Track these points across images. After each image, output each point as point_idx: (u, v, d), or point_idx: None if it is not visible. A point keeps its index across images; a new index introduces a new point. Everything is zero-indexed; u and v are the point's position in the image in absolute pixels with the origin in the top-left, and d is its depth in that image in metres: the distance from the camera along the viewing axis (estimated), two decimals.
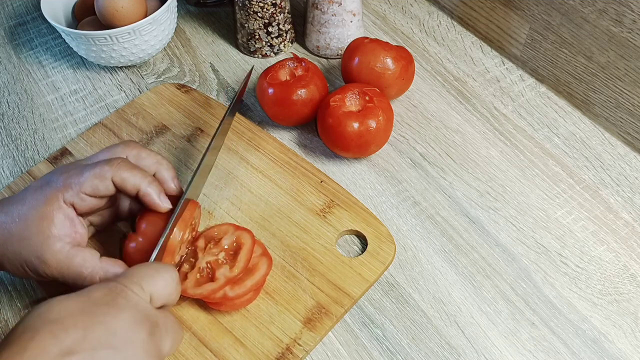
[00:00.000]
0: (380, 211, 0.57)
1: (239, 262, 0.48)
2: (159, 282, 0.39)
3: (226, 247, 0.50)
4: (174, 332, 0.38)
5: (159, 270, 0.40)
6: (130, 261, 0.48)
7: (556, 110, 0.65)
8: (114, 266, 0.46)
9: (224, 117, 0.55)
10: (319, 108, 0.60)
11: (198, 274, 0.48)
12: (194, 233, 0.51)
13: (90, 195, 0.46)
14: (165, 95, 0.67)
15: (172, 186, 0.50)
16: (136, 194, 0.47)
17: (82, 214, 0.47)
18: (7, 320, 0.51)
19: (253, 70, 0.71)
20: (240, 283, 0.48)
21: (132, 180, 0.47)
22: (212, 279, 0.48)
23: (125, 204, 0.51)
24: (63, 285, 0.45)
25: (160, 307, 0.39)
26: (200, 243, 0.50)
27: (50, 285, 0.49)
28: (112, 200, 0.49)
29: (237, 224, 0.53)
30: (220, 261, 0.49)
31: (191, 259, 0.50)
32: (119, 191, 0.47)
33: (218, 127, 0.54)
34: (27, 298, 0.53)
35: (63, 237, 0.44)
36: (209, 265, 0.49)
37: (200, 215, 0.52)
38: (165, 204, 0.48)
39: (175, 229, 0.47)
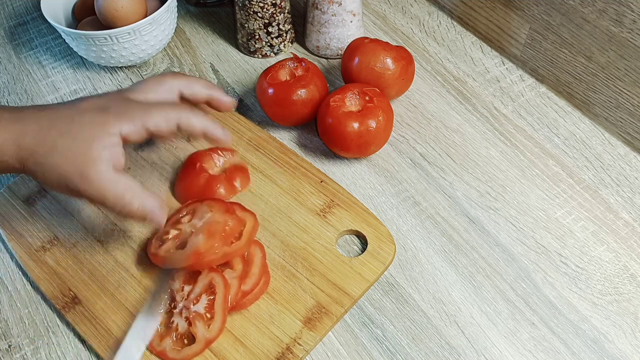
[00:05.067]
0: (380, 211, 0.57)
1: (215, 319, 0.47)
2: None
3: (201, 289, 0.49)
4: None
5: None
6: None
7: (556, 110, 0.65)
8: (153, 200, 0.47)
9: None
10: (319, 108, 0.60)
11: (174, 336, 0.48)
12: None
13: (150, 133, 0.47)
14: None
15: (227, 100, 0.52)
16: (202, 135, 0.49)
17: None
18: (7, 320, 0.52)
19: (253, 70, 0.71)
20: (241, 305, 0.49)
21: (200, 125, 0.48)
22: (189, 340, 0.47)
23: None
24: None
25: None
26: (175, 285, 0.49)
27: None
28: None
29: None
30: (197, 314, 0.48)
31: (167, 310, 0.49)
32: (179, 131, 0.49)
33: None
34: (27, 298, 0.53)
35: (110, 161, 0.45)
36: (187, 319, 0.48)
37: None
38: (228, 137, 0.50)
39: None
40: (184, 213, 0.53)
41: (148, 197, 0.47)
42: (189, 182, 0.57)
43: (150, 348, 0.48)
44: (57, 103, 0.48)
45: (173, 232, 0.51)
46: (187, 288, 0.49)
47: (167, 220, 0.52)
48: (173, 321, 0.48)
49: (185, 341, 0.48)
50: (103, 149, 0.45)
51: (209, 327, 0.47)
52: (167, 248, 0.50)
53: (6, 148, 0.44)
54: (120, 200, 0.45)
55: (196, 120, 0.48)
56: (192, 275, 0.49)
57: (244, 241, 0.50)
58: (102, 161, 0.45)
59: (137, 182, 0.47)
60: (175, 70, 0.72)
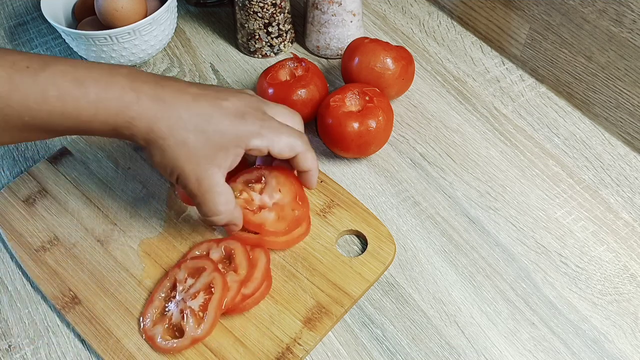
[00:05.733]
0: (380, 211, 0.57)
1: (206, 319, 0.48)
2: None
3: (202, 286, 0.49)
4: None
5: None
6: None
7: (556, 110, 0.65)
8: (239, 216, 0.49)
9: None
10: (319, 108, 0.60)
11: (167, 324, 0.49)
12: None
13: (271, 154, 0.47)
14: None
15: (312, 183, 0.53)
16: (297, 169, 0.50)
17: None
18: (7, 320, 0.52)
19: (253, 70, 0.71)
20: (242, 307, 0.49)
21: (311, 166, 0.50)
22: (180, 332, 0.48)
23: None
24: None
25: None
26: (180, 275, 0.50)
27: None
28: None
29: None
30: (191, 310, 0.48)
31: (166, 297, 0.50)
32: (285, 160, 0.49)
33: None
34: (27, 298, 0.53)
35: (227, 170, 0.46)
36: (181, 312, 0.48)
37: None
38: (314, 186, 0.52)
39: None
40: (254, 177, 0.53)
41: (237, 213, 0.49)
42: None
43: (143, 330, 0.49)
44: (199, 86, 0.47)
45: (244, 194, 0.52)
46: (189, 281, 0.50)
47: (236, 174, 0.53)
48: (169, 310, 0.49)
49: (176, 333, 0.48)
50: (226, 159, 0.45)
51: (198, 326, 0.47)
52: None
53: (139, 125, 0.43)
54: (213, 209, 0.47)
55: (311, 159, 0.49)
56: (198, 270, 0.50)
57: (297, 238, 0.53)
58: (221, 169, 0.45)
59: (232, 194, 0.48)
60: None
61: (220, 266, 0.50)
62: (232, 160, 0.46)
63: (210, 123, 0.45)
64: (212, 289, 0.48)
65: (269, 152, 0.47)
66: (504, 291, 0.51)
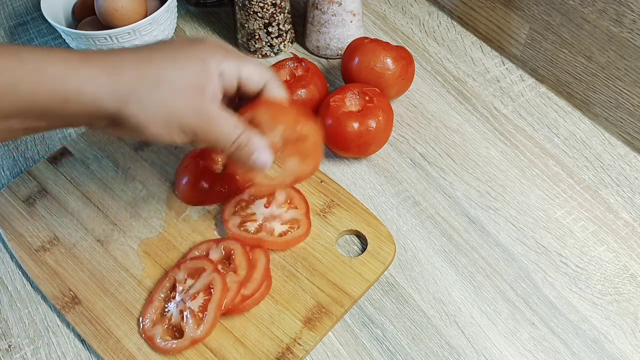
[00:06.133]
0: (380, 211, 0.57)
1: (206, 320, 0.48)
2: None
3: (202, 286, 0.49)
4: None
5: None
6: None
7: (556, 110, 0.65)
8: (257, 139, 0.45)
9: None
10: (319, 108, 0.60)
11: (166, 325, 0.49)
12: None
13: (240, 82, 0.45)
14: None
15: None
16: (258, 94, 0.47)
17: None
18: (7, 320, 0.52)
19: None
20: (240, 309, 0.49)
21: (282, 88, 0.48)
22: (180, 333, 0.48)
23: None
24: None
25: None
26: (180, 275, 0.50)
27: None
28: None
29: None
30: (191, 311, 0.48)
31: (165, 297, 0.50)
32: (248, 91, 0.47)
33: None
34: (27, 298, 0.53)
35: (219, 95, 0.44)
36: (181, 313, 0.48)
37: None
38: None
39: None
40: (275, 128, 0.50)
41: (251, 133, 0.45)
42: (192, 182, 0.57)
43: (142, 330, 0.49)
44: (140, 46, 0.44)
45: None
46: (189, 282, 0.50)
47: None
48: (168, 310, 0.49)
49: (176, 334, 0.48)
50: (212, 83, 0.42)
51: (197, 327, 0.47)
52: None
53: (102, 89, 0.39)
54: (232, 136, 0.44)
55: (281, 85, 0.47)
56: (197, 270, 0.50)
57: (297, 238, 0.53)
58: (215, 94, 0.43)
59: (237, 117, 0.45)
60: None
61: (219, 267, 0.50)
62: (219, 84, 0.43)
63: (175, 55, 0.42)
64: (212, 290, 0.48)
65: (241, 83, 0.45)
66: (504, 291, 0.51)
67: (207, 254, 0.52)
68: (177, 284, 0.50)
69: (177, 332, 0.48)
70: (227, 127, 0.43)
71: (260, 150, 0.45)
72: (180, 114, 0.42)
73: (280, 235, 0.53)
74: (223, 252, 0.51)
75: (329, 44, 0.70)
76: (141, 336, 0.49)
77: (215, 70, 0.43)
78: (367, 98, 0.58)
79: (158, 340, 0.48)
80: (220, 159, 0.59)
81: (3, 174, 0.63)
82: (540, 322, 0.50)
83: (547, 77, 0.67)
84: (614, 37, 0.57)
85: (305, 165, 0.50)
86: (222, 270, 0.50)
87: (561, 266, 0.53)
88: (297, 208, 0.55)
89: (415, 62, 0.66)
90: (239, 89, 0.46)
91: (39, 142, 0.65)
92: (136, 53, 0.42)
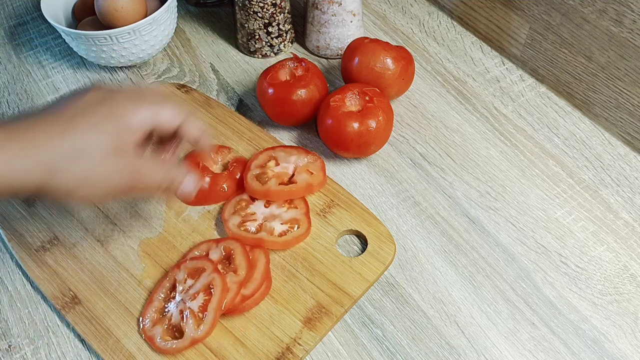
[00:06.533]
0: (380, 211, 0.57)
1: (206, 321, 0.48)
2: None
3: (202, 286, 0.49)
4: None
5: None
6: None
7: (556, 110, 0.65)
8: (181, 175, 0.47)
9: None
10: (319, 108, 0.60)
11: (166, 325, 0.48)
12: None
13: (158, 126, 0.45)
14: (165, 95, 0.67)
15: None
16: (187, 138, 0.49)
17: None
18: (7, 320, 0.52)
19: (253, 70, 0.71)
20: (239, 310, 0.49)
21: (198, 125, 0.48)
22: (180, 333, 0.48)
23: None
24: None
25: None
26: (180, 275, 0.50)
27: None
28: None
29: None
30: (191, 311, 0.48)
31: (166, 297, 0.50)
32: (164, 132, 0.47)
33: None
34: (27, 298, 0.53)
35: (137, 150, 0.45)
36: (181, 313, 0.48)
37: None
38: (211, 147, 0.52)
39: None
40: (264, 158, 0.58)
41: (175, 171, 0.47)
42: None
43: (142, 330, 0.49)
44: (42, 109, 0.44)
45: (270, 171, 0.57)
46: (189, 282, 0.50)
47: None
48: (168, 310, 0.49)
49: (176, 334, 0.48)
50: (131, 138, 0.43)
51: (198, 327, 0.47)
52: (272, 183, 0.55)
53: (27, 166, 0.40)
54: (159, 178, 0.45)
55: (197, 121, 0.48)
56: (197, 271, 0.50)
57: (297, 238, 0.54)
58: (136, 147, 0.44)
59: (158, 159, 0.46)
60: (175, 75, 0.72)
61: (219, 267, 0.50)
62: (132, 132, 0.44)
63: (92, 116, 0.43)
64: (212, 290, 0.48)
65: (159, 125, 0.45)
66: (504, 291, 0.51)
67: (207, 254, 0.52)
68: (177, 284, 0.50)
69: (177, 332, 0.48)
70: (154, 172, 0.45)
71: (185, 182, 0.48)
72: (108, 178, 0.43)
73: (280, 235, 0.53)
74: (223, 252, 0.51)
75: (329, 44, 0.70)
76: (141, 336, 0.49)
77: (132, 124, 0.44)
78: (367, 98, 0.58)
79: (158, 340, 0.48)
80: (220, 159, 0.60)
81: None
82: (540, 322, 0.50)
83: (547, 77, 0.67)
84: (614, 37, 0.57)
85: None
86: (222, 271, 0.50)
87: (561, 266, 0.53)
88: (297, 208, 0.55)
89: (415, 62, 0.66)
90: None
91: None
92: (54, 124, 0.42)
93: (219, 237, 0.54)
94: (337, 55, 0.71)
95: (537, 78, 0.68)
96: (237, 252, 0.51)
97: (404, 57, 0.62)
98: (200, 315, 0.48)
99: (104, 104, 0.44)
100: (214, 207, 0.57)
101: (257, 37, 0.70)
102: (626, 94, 0.59)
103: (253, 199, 0.56)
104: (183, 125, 0.47)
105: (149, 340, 0.48)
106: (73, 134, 0.42)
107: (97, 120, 0.43)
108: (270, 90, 0.60)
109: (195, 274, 0.50)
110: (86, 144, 0.42)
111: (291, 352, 0.47)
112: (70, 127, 0.42)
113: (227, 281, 0.49)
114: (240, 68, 0.72)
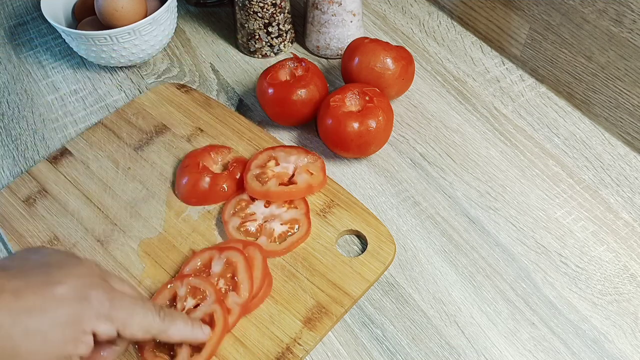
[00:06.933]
0: (380, 211, 0.57)
1: (202, 354, 0.46)
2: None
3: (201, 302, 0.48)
4: None
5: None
6: None
7: (556, 110, 0.65)
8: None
9: None
10: (319, 108, 0.60)
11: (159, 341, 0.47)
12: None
13: (122, 337, 0.41)
14: (165, 95, 0.67)
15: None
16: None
17: None
18: None
19: (253, 70, 0.71)
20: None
21: (179, 337, 0.44)
22: (174, 352, 0.47)
23: None
24: None
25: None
26: (181, 291, 0.49)
27: None
28: None
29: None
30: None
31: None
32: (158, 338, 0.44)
33: None
34: None
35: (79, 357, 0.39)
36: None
37: None
38: (206, 332, 0.46)
39: None
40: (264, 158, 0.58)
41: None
42: (192, 182, 0.57)
43: (138, 348, 0.47)
44: (21, 273, 0.38)
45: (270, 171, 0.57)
46: (190, 301, 0.48)
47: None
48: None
49: (171, 352, 0.47)
50: (77, 349, 0.38)
51: (191, 357, 0.46)
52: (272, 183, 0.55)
53: None
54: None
55: (176, 333, 0.44)
56: (199, 292, 0.48)
57: (296, 242, 0.54)
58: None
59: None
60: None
61: (222, 282, 0.49)
62: (85, 347, 0.38)
63: (44, 318, 0.36)
64: (212, 323, 0.47)
65: (124, 337, 0.41)
66: (504, 291, 0.51)
67: (209, 266, 0.50)
68: (178, 301, 0.48)
69: (172, 351, 0.47)
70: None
71: None
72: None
73: (280, 236, 0.53)
74: (225, 265, 0.50)
75: (329, 44, 0.70)
76: (136, 353, 0.47)
77: (87, 336, 0.39)
78: (367, 98, 0.58)
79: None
80: (220, 159, 0.60)
81: (3, 174, 0.63)
82: (540, 322, 0.50)
83: (547, 77, 0.67)
84: (614, 37, 0.57)
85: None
86: (223, 287, 0.49)
87: (561, 266, 0.53)
88: (297, 208, 0.55)
89: (415, 62, 0.66)
90: None
91: (39, 142, 0.65)
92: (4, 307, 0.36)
93: (219, 237, 0.54)
94: (337, 55, 0.71)
95: (537, 78, 0.68)
96: (240, 269, 0.49)
97: (404, 57, 0.62)
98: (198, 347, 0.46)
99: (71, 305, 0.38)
100: (214, 207, 0.57)
101: (257, 37, 0.70)
102: (626, 94, 0.59)
103: (253, 199, 0.56)
104: (158, 337, 0.43)
105: (142, 357, 0.47)
106: (8, 312, 0.36)
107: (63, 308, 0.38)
108: (270, 90, 0.60)
109: (197, 294, 0.48)
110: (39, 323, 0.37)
111: (291, 352, 0.47)
112: (17, 299, 0.36)
113: (228, 302, 0.48)
114: (240, 68, 0.72)
